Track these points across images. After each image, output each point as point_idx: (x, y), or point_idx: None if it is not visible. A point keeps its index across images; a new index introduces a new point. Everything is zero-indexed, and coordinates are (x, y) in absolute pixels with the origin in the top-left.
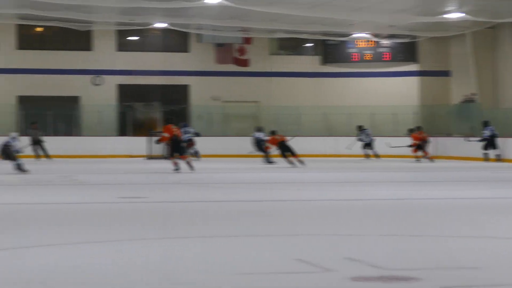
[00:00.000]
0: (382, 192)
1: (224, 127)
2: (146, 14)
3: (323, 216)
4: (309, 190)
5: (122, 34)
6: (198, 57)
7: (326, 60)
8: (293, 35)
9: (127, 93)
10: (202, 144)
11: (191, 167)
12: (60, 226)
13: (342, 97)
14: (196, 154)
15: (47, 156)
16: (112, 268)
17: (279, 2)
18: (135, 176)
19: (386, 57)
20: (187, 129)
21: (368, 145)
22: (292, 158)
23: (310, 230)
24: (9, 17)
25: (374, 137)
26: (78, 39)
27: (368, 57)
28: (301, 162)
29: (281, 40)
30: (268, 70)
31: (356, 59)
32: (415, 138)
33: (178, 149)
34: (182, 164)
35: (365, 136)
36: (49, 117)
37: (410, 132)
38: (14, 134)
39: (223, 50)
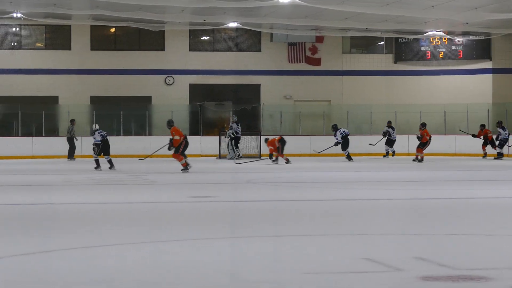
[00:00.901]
0: (449, 191)
1: (296, 126)
2: (219, 14)
3: (391, 215)
4: (377, 189)
5: (194, 34)
6: (270, 57)
7: (398, 58)
8: (366, 33)
9: (199, 93)
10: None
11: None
12: (130, 225)
13: (414, 95)
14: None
15: (70, 156)
16: (180, 267)
17: (352, 0)
18: (205, 176)
19: (459, 55)
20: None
21: (392, 142)
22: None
23: (378, 229)
24: (83, 18)
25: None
26: (150, 39)
27: (441, 55)
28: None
29: (353, 38)
30: (340, 68)
31: (429, 57)
32: (427, 134)
33: (183, 149)
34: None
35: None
36: (122, 117)
37: (423, 127)
38: (98, 125)
39: (295, 49)
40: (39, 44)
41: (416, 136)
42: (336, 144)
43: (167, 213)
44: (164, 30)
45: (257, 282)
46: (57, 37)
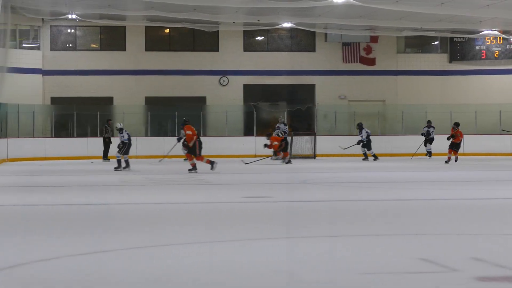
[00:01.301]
0: (502, 191)
1: (350, 126)
2: (273, 14)
3: (447, 215)
4: (433, 189)
5: (248, 35)
6: (324, 57)
7: (453, 58)
8: (421, 33)
9: (253, 93)
10: (328, 143)
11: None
12: (186, 225)
13: (469, 95)
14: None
15: (104, 156)
16: (235, 268)
17: (406, 0)
18: (259, 176)
19: None
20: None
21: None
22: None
23: (434, 229)
24: (137, 19)
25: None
26: (205, 40)
27: (496, 54)
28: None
29: (408, 38)
30: (395, 68)
31: (484, 57)
32: (461, 135)
33: (199, 150)
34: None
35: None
36: (176, 117)
37: (456, 126)
38: (122, 124)
39: (350, 49)
40: (94, 45)
41: (447, 136)
42: (359, 142)
43: (223, 213)
44: (218, 31)
45: (313, 282)
46: (112, 38)
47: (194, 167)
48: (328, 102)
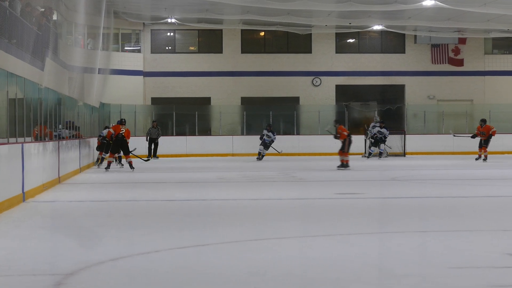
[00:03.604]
0: None
1: (439, 125)
2: (364, 17)
3: None
4: None
5: (340, 37)
6: (414, 58)
7: None
8: (508, 34)
9: (344, 93)
10: (418, 141)
11: (131, 167)
12: (281, 220)
13: None
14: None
15: (151, 155)
16: (329, 261)
17: (494, 2)
18: (351, 173)
19: None
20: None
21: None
22: None
23: None
24: (234, 22)
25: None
26: (298, 42)
27: None
28: None
29: (495, 39)
30: (482, 69)
31: None
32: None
33: (123, 148)
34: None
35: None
36: (271, 117)
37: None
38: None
39: (438, 50)
40: (192, 48)
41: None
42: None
43: (316, 209)
44: (311, 34)
45: (404, 276)
46: (210, 41)
47: (108, 166)
48: (418, 102)
